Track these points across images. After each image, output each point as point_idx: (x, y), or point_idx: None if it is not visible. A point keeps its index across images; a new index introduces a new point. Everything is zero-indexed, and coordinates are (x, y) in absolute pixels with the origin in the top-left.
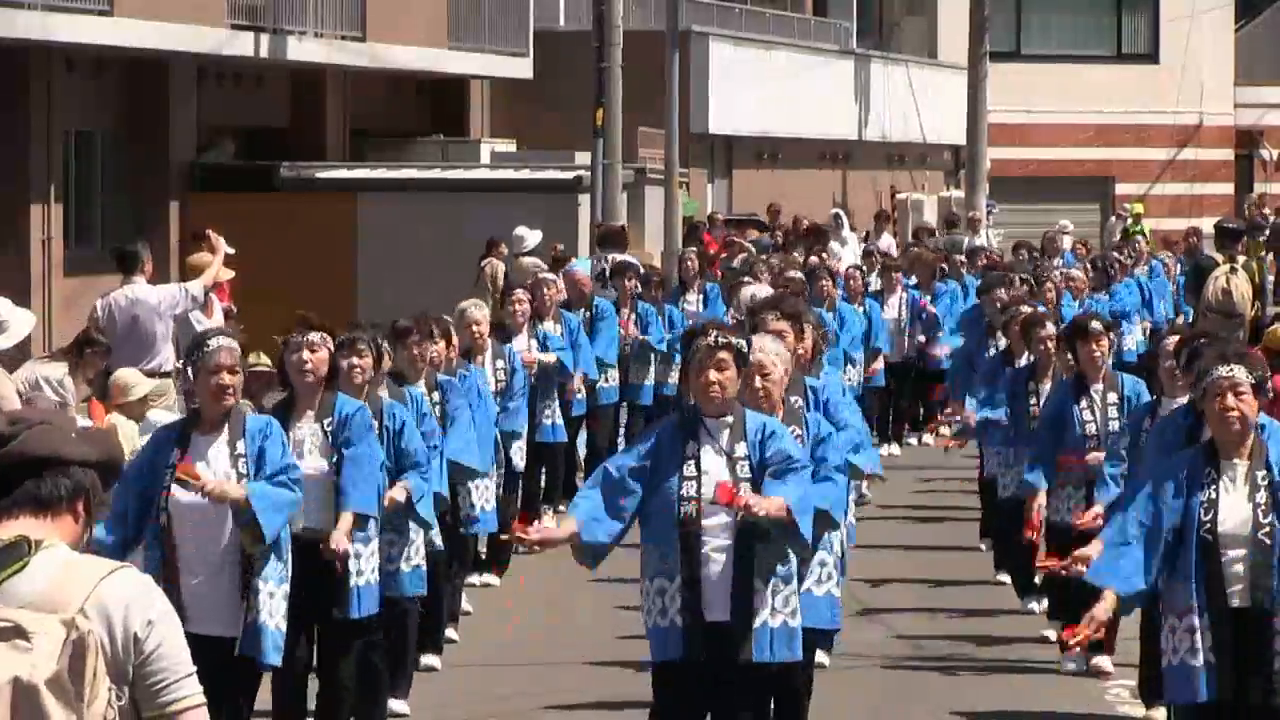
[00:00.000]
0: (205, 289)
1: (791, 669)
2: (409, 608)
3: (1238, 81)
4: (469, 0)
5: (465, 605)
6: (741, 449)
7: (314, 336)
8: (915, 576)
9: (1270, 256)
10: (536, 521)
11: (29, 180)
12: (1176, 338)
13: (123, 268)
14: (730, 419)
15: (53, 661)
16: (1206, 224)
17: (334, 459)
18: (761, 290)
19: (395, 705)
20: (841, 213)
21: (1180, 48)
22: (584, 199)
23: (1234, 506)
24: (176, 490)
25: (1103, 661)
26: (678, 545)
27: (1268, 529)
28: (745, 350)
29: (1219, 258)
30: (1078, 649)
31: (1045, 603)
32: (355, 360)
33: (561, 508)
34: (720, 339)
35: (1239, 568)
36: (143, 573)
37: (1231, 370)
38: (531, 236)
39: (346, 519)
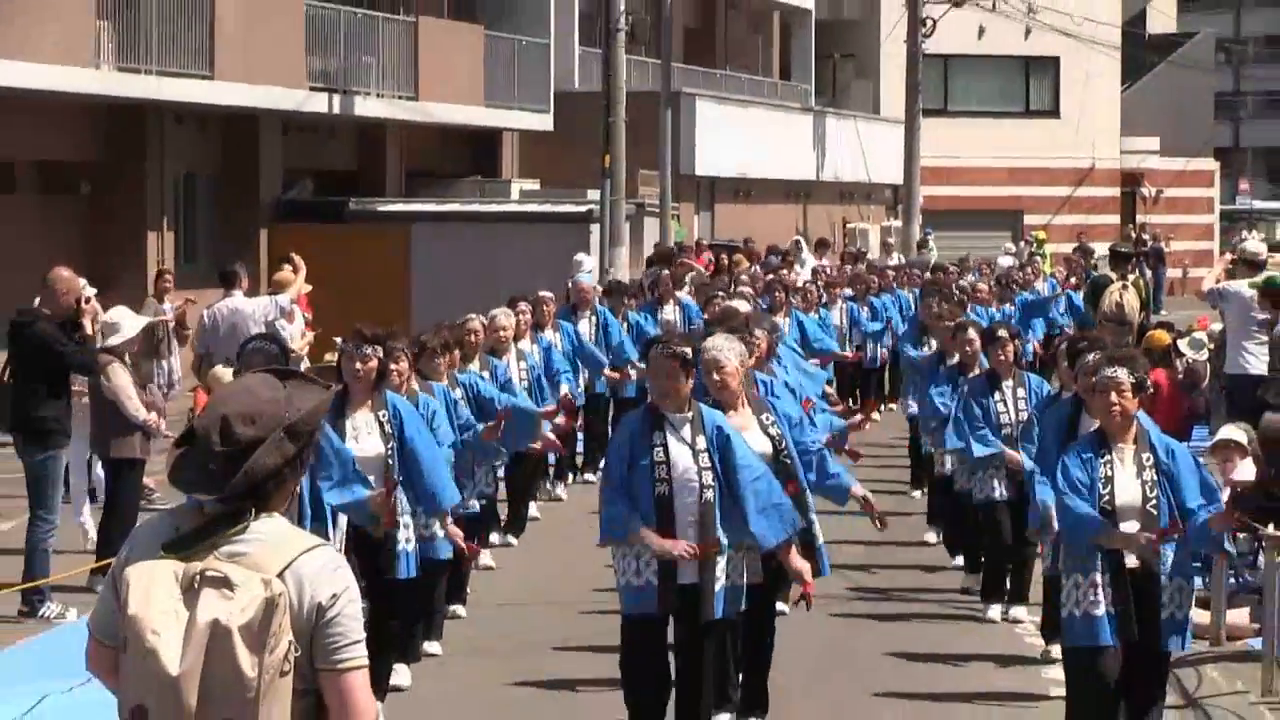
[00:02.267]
0: (291, 301)
1: (745, 617)
2: (441, 567)
3: (1123, 133)
4: (502, 67)
5: (489, 561)
6: (701, 442)
7: (367, 350)
8: (857, 539)
9: (1150, 274)
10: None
11: (145, 214)
12: (1068, 342)
13: (224, 284)
14: (690, 414)
15: (248, 612)
16: (1099, 248)
17: (390, 444)
18: (742, 303)
19: (428, 646)
20: (802, 239)
21: (1077, 106)
22: (594, 228)
23: (1126, 483)
24: None
25: (1019, 611)
26: (654, 519)
27: (1154, 501)
28: (690, 357)
29: (1113, 275)
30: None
31: (1013, 609)
32: (393, 365)
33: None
34: (665, 350)
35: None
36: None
37: (1116, 371)
38: (589, 261)
39: (447, 520)
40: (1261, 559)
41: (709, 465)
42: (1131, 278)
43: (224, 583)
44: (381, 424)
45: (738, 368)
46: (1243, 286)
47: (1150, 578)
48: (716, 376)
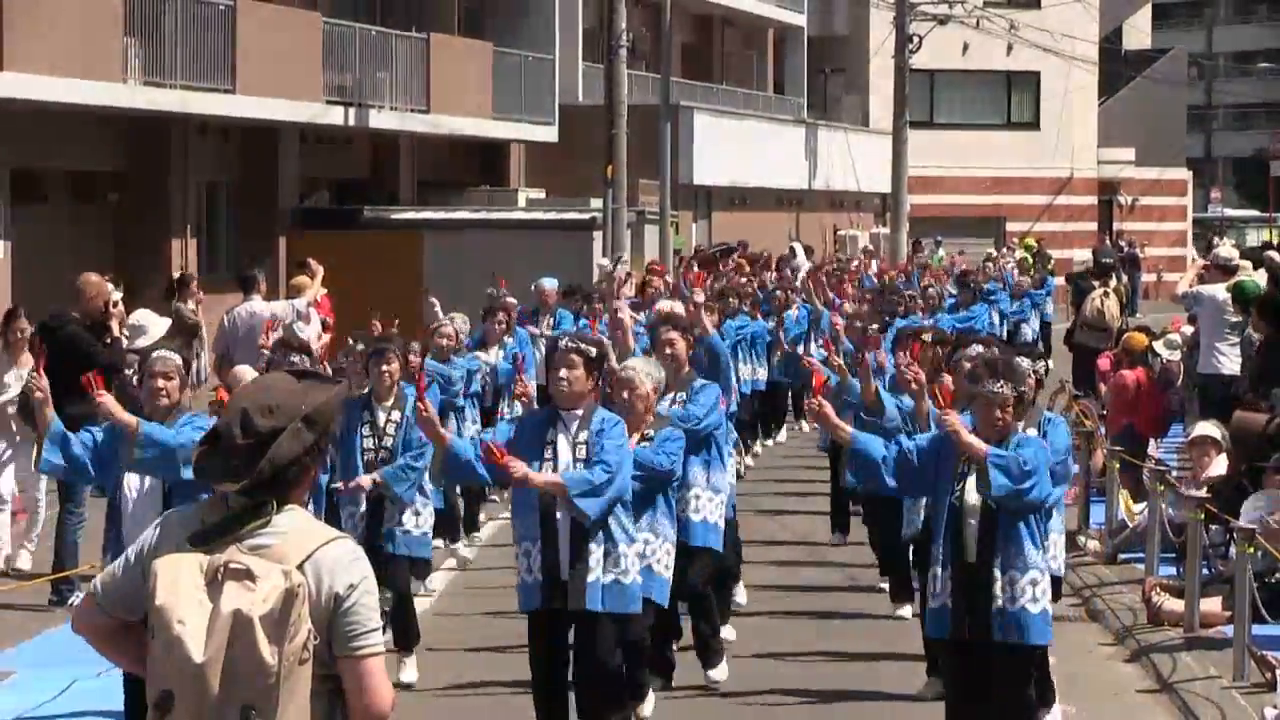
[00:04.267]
0: (308, 304)
1: (631, 619)
2: (411, 565)
3: (1100, 144)
4: (509, 82)
5: (468, 554)
6: (584, 436)
7: (294, 359)
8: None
9: (1127, 278)
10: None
11: (170, 222)
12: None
13: (243, 288)
14: (581, 412)
15: (269, 603)
16: (1077, 254)
17: None
18: (671, 304)
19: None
20: (798, 244)
21: (1056, 118)
22: (597, 235)
23: (973, 481)
24: (128, 477)
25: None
26: (537, 515)
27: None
28: (593, 355)
29: (1095, 282)
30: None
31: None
32: (384, 366)
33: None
34: (570, 344)
35: (974, 530)
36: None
37: (1001, 387)
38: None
39: None
40: (1233, 550)
41: (584, 457)
42: (1112, 285)
43: (246, 574)
44: None
45: (649, 392)
46: (1216, 290)
47: (984, 569)
48: (626, 395)
